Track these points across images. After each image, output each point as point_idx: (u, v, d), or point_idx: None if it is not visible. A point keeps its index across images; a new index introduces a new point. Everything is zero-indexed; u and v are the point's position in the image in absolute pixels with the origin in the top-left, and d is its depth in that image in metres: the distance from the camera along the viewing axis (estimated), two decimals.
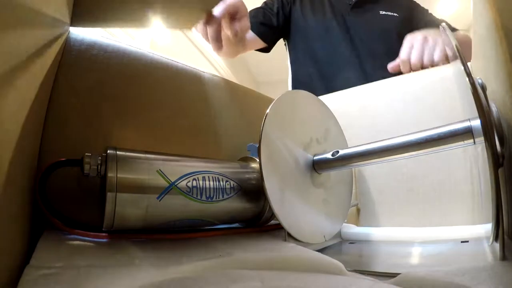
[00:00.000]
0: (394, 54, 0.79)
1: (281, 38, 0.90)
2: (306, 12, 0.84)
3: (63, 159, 0.26)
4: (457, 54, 0.23)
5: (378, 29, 0.79)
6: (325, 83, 0.78)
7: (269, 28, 0.85)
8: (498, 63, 0.26)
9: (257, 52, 0.88)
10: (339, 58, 0.78)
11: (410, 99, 0.44)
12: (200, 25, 0.46)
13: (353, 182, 0.43)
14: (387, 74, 0.74)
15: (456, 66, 0.33)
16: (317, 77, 0.81)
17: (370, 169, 0.46)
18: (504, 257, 0.20)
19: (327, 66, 0.80)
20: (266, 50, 0.89)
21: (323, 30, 0.81)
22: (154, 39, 1.75)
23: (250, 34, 0.80)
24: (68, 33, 0.31)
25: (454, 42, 0.24)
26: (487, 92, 0.24)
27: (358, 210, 0.47)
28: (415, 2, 0.86)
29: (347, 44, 0.78)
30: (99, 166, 0.24)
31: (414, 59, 0.55)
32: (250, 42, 0.81)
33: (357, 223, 0.46)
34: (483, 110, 0.20)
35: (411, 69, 0.56)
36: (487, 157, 0.19)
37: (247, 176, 0.33)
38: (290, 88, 0.91)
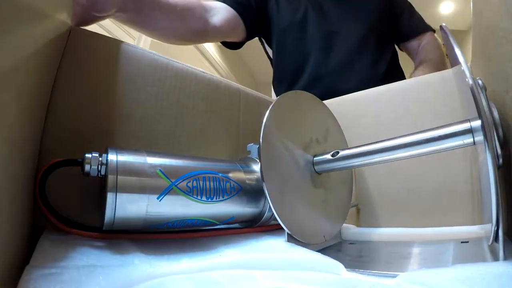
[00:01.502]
0: (377, 33, 0.72)
1: (258, 30, 0.79)
2: (281, 2, 0.76)
3: (63, 159, 0.26)
4: (458, 54, 0.23)
5: (360, 9, 0.73)
6: (306, 75, 0.72)
7: (247, 7, 0.72)
8: (498, 63, 0.26)
9: (257, 52, 0.84)
10: (317, 46, 0.72)
11: (410, 99, 0.44)
12: None
13: (353, 182, 0.43)
14: (370, 53, 0.69)
15: (456, 67, 0.33)
16: (295, 69, 0.74)
17: (370, 169, 0.46)
18: (504, 257, 0.20)
19: (306, 57, 0.73)
20: (234, 45, 0.77)
21: (298, 19, 0.74)
22: (155, 39, 1.76)
23: (225, 14, 0.68)
24: (69, 33, 0.31)
25: (454, 43, 0.24)
26: (487, 92, 0.24)
27: (358, 210, 0.47)
28: None
29: (324, 32, 0.72)
30: (99, 166, 0.24)
31: None
32: (226, 23, 0.67)
33: (357, 223, 0.46)
34: (483, 110, 0.20)
35: None
36: (487, 158, 0.19)
37: (247, 176, 0.33)
38: (271, 84, 0.82)
